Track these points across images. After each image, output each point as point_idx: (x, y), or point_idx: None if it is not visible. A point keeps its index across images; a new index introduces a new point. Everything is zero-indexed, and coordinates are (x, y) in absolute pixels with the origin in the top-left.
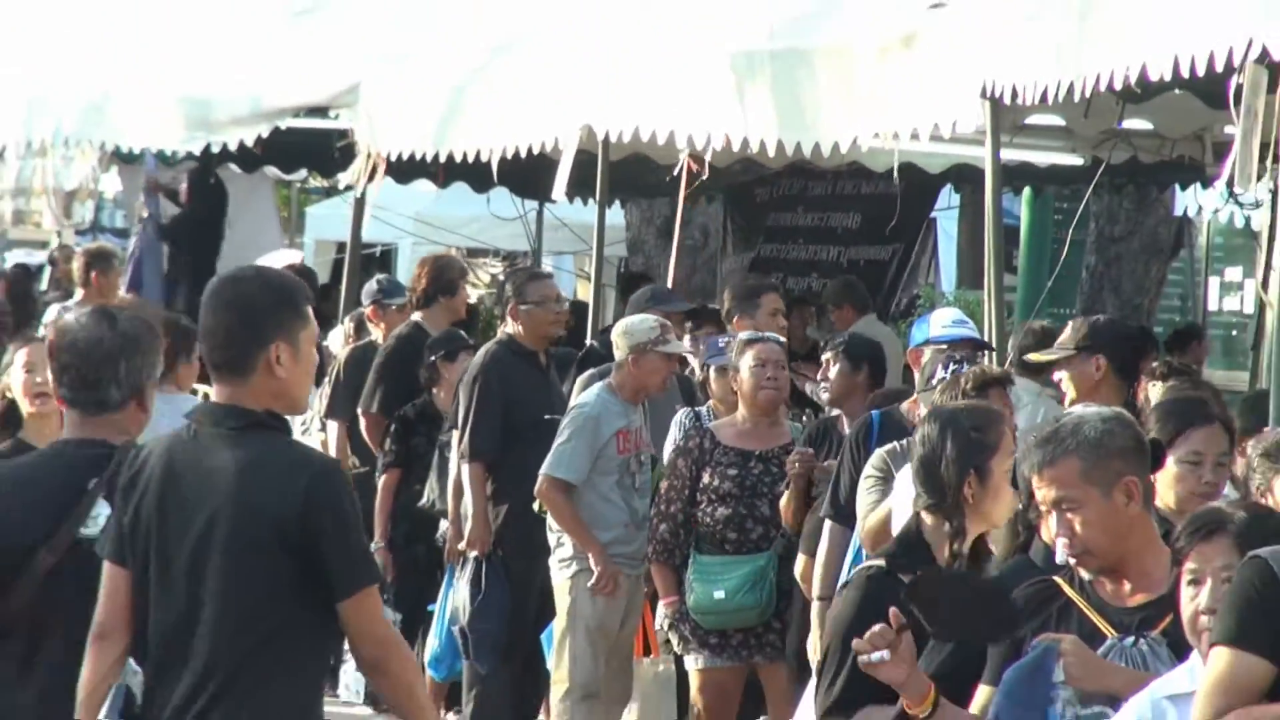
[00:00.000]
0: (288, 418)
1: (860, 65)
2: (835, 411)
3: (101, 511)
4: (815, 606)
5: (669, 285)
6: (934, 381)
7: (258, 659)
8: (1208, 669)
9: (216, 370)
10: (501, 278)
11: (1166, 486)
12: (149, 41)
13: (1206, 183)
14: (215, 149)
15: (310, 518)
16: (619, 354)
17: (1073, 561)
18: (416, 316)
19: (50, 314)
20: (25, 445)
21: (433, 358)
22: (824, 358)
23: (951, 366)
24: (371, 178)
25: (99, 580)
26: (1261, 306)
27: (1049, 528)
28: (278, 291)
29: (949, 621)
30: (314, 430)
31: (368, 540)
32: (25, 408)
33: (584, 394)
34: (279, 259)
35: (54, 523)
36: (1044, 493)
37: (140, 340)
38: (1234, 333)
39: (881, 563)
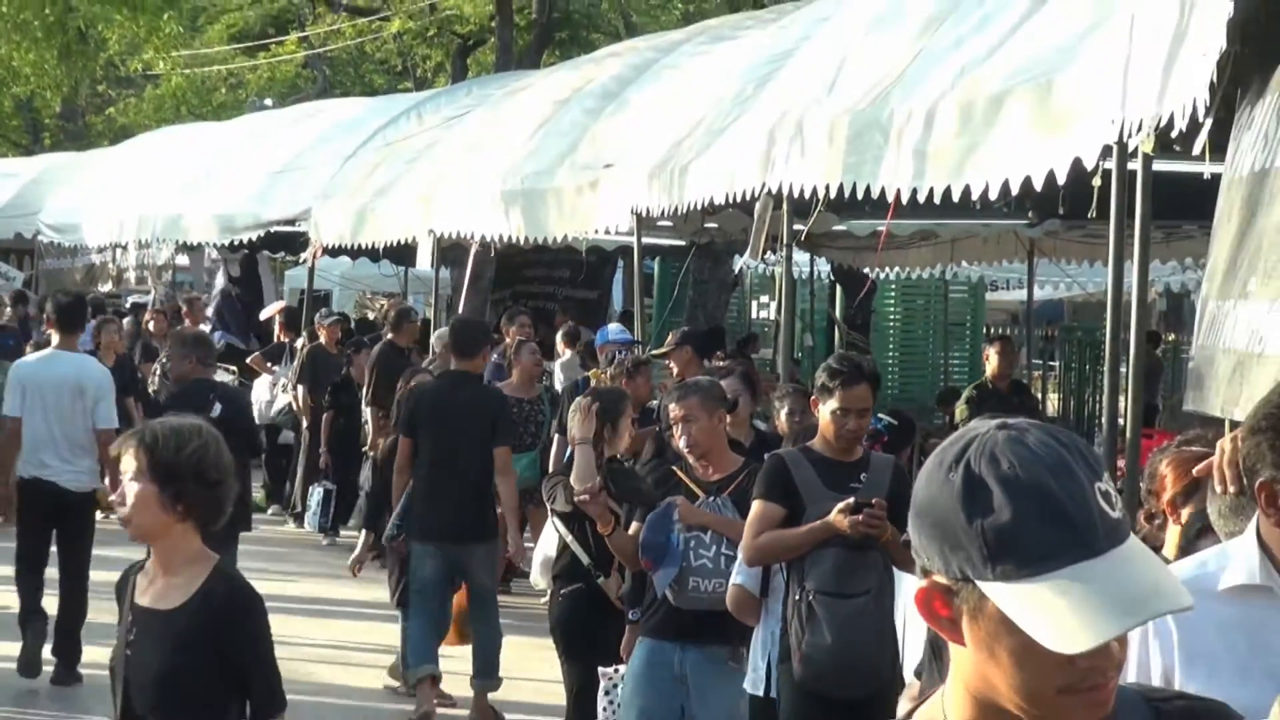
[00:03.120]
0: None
1: (568, 197)
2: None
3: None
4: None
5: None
6: (605, 366)
7: (489, 468)
8: (750, 515)
9: (460, 355)
10: (387, 307)
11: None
12: (198, 185)
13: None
14: (236, 241)
15: (499, 410)
16: (438, 347)
17: (688, 451)
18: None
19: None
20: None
21: (348, 351)
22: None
23: (616, 356)
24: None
25: None
26: (778, 317)
27: (678, 435)
28: (486, 329)
29: (622, 490)
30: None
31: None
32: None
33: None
34: (275, 307)
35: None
36: (676, 412)
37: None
38: (765, 329)
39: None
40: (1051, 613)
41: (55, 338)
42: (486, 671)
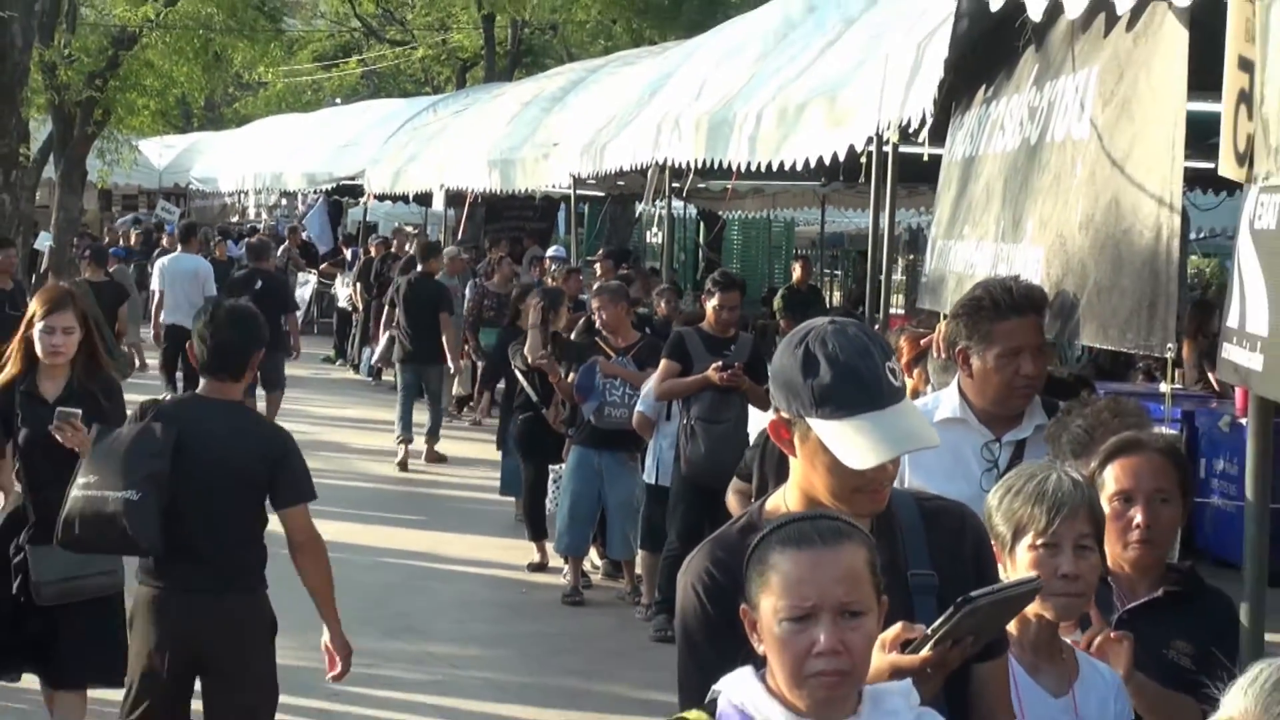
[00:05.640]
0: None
1: (530, 165)
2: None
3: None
4: None
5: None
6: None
7: (437, 325)
8: (659, 369)
9: (421, 262)
10: (419, 238)
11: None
12: (293, 153)
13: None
14: (318, 189)
15: (442, 295)
16: (445, 260)
17: (602, 327)
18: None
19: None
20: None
21: (389, 261)
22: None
23: (555, 266)
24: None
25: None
26: (663, 242)
27: (598, 318)
28: (438, 248)
29: (563, 349)
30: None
31: None
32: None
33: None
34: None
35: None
36: (595, 303)
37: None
38: (655, 249)
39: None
40: (848, 442)
41: (179, 247)
42: (433, 434)
